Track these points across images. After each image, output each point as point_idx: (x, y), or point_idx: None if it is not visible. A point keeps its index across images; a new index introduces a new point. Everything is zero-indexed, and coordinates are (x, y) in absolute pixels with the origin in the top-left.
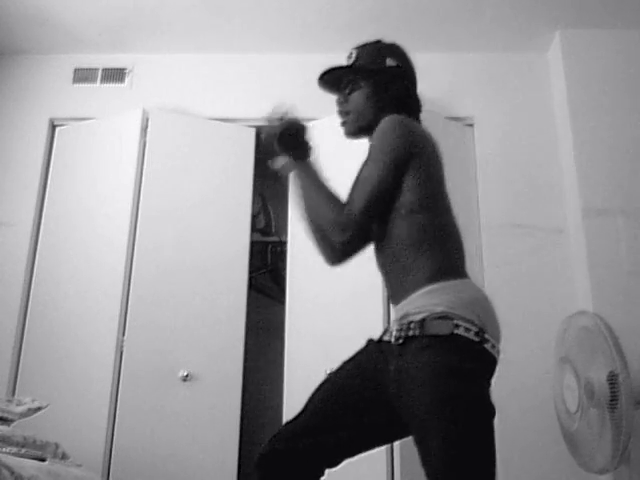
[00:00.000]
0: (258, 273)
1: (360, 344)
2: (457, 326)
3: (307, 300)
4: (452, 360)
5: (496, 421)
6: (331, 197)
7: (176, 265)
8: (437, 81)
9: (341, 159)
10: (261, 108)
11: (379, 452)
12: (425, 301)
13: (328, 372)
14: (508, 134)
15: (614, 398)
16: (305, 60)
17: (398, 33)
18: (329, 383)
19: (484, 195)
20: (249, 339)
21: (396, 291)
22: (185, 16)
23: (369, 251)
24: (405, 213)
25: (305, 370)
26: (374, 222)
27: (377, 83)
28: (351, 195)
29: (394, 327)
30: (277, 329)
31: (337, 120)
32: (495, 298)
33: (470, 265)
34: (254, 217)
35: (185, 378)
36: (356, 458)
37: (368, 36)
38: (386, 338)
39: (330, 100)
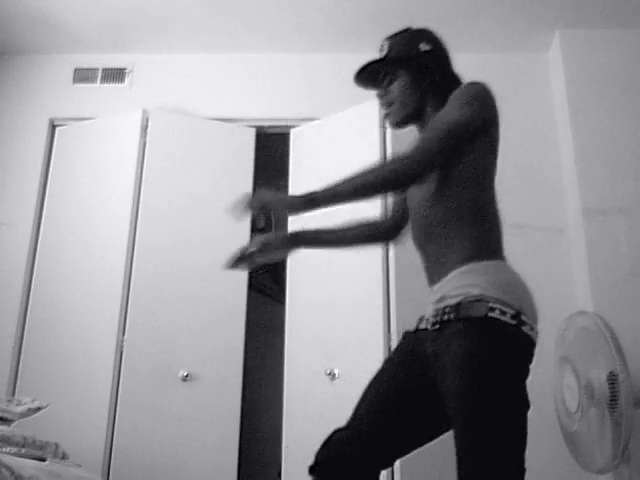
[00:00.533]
0: (258, 273)
1: (360, 344)
2: (492, 309)
3: (307, 300)
4: (486, 345)
5: None
6: (375, 170)
7: (176, 265)
8: None
9: (341, 158)
10: (261, 108)
11: None
12: (461, 282)
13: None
14: (508, 134)
15: (614, 398)
16: (305, 60)
17: None
18: (376, 384)
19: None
20: (249, 339)
21: (434, 269)
22: (185, 16)
23: (368, 252)
24: (457, 183)
25: (305, 370)
26: (439, 168)
27: (415, 69)
28: (421, 139)
29: (430, 312)
30: (277, 329)
31: (336, 120)
32: None
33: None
34: (254, 217)
35: (185, 378)
36: None
37: (368, 36)
38: (422, 326)
39: (330, 100)
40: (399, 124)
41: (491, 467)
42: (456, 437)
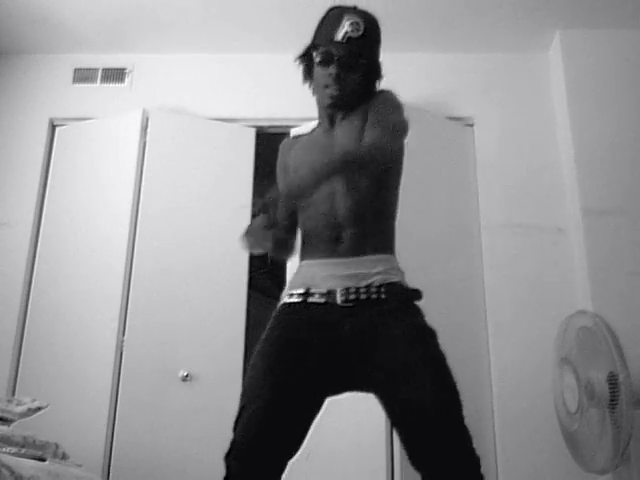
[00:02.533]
0: (258, 273)
1: None
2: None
3: None
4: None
5: (496, 421)
6: None
7: (176, 265)
8: (437, 81)
9: None
10: (261, 108)
11: (379, 451)
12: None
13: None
14: (508, 134)
15: (614, 398)
16: None
17: (399, 33)
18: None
19: (484, 195)
20: (249, 339)
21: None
22: (185, 16)
23: None
24: (389, 182)
25: None
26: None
27: (375, 59)
28: (384, 131)
29: (338, 286)
30: None
31: None
32: (495, 298)
33: (470, 265)
34: (254, 217)
35: (185, 378)
36: (356, 458)
37: None
38: (321, 300)
39: None
40: (342, 108)
41: (458, 414)
42: (419, 397)
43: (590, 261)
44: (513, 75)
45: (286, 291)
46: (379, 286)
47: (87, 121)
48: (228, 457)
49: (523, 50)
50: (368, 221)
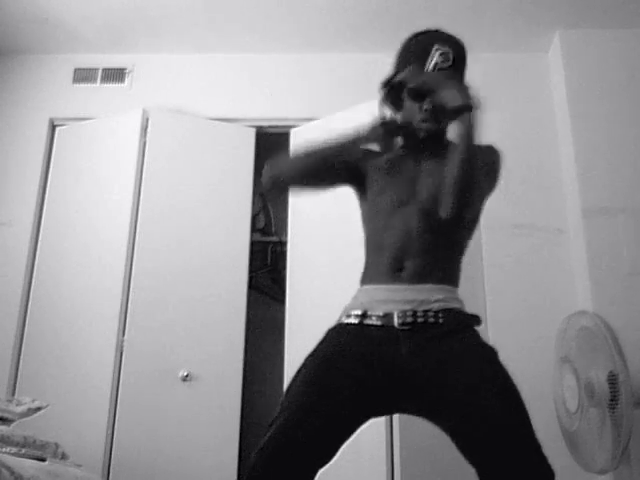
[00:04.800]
0: (258, 273)
1: None
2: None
3: (307, 300)
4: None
5: None
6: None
7: (176, 265)
8: None
9: None
10: (261, 108)
11: (379, 452)
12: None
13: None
14: (508, 134)
15: (614, 398)
16: (305, 60)
17: (398, 33)
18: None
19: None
20: (249, 339)
21: (417, 268)
22: (185, 16)
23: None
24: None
25: None
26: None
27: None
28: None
29: (397, 310)
30: (277, 329)
31: (336, 120)
32: (495, 298)
33: (470, 265)
34: (254, 217)
35: (185, 378)
36: (356, 457)
37: (368, 36)
38: (379, 322)
39: (330, 100)
40: (426, 140)
41: (533, 433)
42: (494, 418)
43: (590, 261)
44: (513, 75)
45: (343, 312)
46: (437, 311)
47: (87, 121)
48: (256, 454)
49: (523, 50)
50: (439, 254)
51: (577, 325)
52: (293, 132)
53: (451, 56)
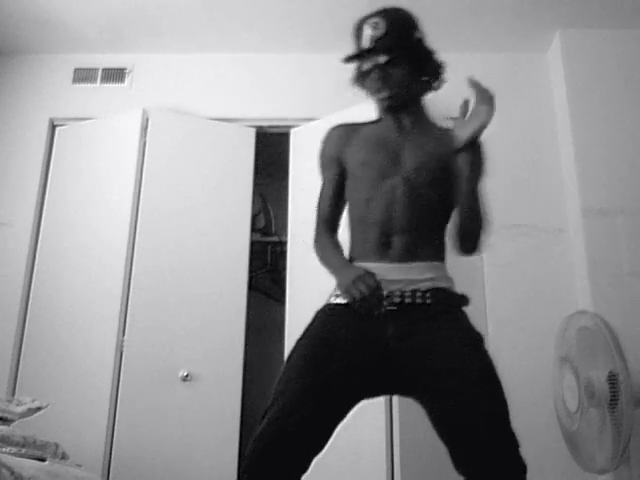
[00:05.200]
0: (258, 273)
1: None
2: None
3: (307, 300)
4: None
5: None
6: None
7: (176, 265)
8: None
9: None
10: (261, 108)
11: (379, 451)
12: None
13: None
14: (508, 134)
15: (614, 398)
16: (305, 60)
17: None
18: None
19: (484, 195)
20: (249, 339)
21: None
22: (185, 16)
23: None
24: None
25: None
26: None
27: (413, 57)
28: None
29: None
30: (277, 329)
31: (336, 120)
32: (495, 298)
33: (470, 265)
34: (254, 217)
35: (185, 378)
36: (356, 457)
37: None
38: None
39: (330, 100)
40: (396, 109)
41: (508, 422)
42: (471, 404)
43: (590, 261)
44: (513, 75)
45: (333, 291)
46: (425, 291)
47: (87, 121)
48: (252, 443)
49: (523, 50)
50: (425, 229)
51: (577, 325)
52: (293, 132)
53: (382, 24)
